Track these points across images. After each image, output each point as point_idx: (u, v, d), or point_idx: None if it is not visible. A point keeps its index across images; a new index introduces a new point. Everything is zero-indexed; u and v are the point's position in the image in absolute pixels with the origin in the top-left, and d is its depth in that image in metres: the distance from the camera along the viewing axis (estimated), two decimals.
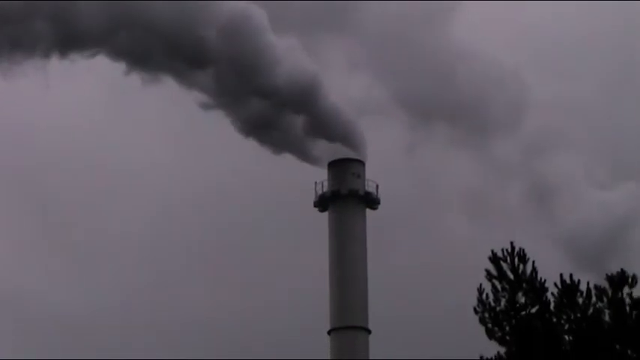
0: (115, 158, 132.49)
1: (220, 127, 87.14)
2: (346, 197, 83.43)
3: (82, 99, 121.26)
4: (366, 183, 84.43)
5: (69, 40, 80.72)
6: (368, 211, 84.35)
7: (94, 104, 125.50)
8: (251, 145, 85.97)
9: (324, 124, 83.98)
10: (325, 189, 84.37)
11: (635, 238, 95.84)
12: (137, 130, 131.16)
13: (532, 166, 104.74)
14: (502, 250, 34.29)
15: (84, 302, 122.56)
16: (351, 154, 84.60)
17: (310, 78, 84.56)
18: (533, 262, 34.25)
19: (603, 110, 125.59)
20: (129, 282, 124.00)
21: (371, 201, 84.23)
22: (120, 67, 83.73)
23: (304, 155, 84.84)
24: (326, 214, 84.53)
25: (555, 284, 34.01)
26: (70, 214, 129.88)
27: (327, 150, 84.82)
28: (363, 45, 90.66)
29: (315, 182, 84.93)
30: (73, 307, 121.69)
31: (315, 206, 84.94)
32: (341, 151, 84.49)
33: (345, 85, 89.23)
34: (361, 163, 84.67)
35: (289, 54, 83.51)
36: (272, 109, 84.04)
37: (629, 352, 33.14)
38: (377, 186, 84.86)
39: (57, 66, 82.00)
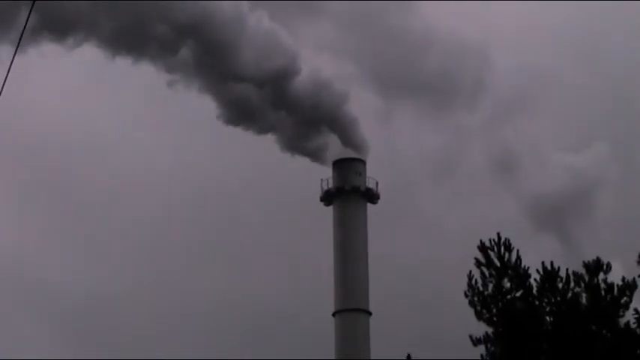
0: (123, 152, 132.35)
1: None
2: (349, 193, 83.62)
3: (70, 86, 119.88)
4: (367, 180, 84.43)
5: (49, 25, 77.91)
6: (369, 205, 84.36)
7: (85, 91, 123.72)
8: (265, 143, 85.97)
9: (333, 127, 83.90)
10: (330, 185, 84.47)
11: (598, 200, 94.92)
12: (143, 124, 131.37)
13: (499, 134, 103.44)
14: (489, 240, 34.29)
15: (99, 288, 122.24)
16: (353, 154, 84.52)
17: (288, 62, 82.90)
18: (518, 250, 34.29)
19: (569, 78, 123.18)
20: (142, 267, 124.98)
21: (371, 196, 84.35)
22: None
23: (314, 156, 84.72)
24: (331, 208, 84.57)
25: (537, 270, 33.96)
26: (85, 207, 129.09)
27: (333, 150, 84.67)
28: (333, 24, 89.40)
29: (321, 179, 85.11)
30: (90, 292, 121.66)
31: (321, 201, 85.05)
32: (344, 151, 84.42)
33: (317, 63, 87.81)
34: (362, 162, 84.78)
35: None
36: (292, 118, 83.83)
37: (603, 331, 33.17)
38: (377, 183, 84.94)
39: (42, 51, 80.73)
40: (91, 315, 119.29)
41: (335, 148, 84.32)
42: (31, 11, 19.30)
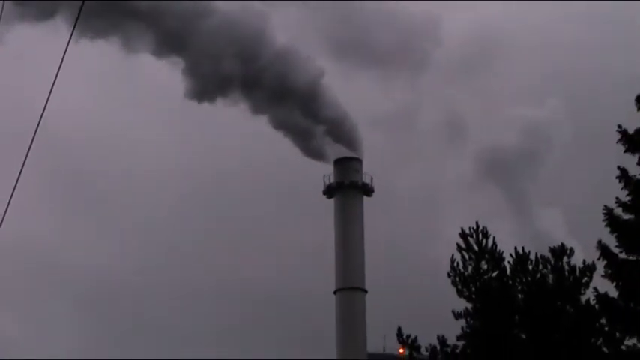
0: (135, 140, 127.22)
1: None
2: (348, 187, 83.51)
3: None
4: (363, 176, 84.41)
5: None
6: (365, 198, 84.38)
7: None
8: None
9: (335, 132, 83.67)
10: (331, 181, 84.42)
11: (549, 154, 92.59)
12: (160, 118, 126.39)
13: (452, 93, 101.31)
14: (469, 228, 34.50)
15: (118, 266, 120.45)
16: (351, 154, 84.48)
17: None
18: (494, 237, 34.49)
19: (522, 34, 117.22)
20: (156, 249, 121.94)
21: (367, 190, 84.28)
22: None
23: (319, 157, 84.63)
24: (332, 200, 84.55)
25: (511, 254, 34.18)
26: (103, 191, 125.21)
27: (333, 150, 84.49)
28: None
29: (324, 175, 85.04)
30: (108, 271, 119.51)
31: (323, 194, 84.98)
32: (344, 151, 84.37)
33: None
34: (359, 161, 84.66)
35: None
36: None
37: (567, 307, 33.32)
38: (371, 178, 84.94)
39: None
40: (107, 292, 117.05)
41: (335, 149, 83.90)
42: (81, 8, 17.58)
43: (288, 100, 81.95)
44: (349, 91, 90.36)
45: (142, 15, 75.41)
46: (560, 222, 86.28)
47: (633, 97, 30.33)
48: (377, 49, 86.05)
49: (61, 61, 16.74)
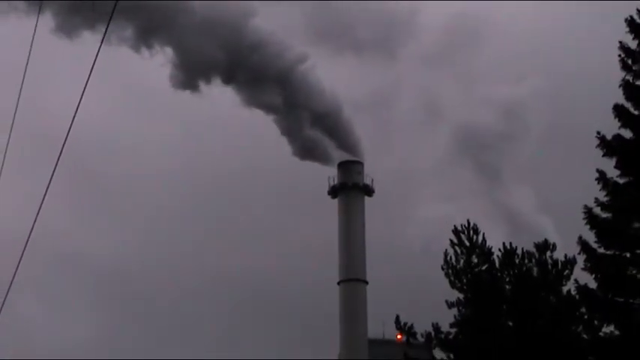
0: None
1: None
2: (351, 188, 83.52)
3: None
4: (365, 178, 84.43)
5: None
6: (366, 198, 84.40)
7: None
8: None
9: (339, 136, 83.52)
10: (335, 182, 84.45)
11: (526, 133, 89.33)
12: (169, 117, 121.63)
13: (432, 75, 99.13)
14: (461, 225, 34.61)
15: (128, 259, 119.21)
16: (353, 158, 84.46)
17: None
18: (484, 233, 34.62)
19: (502, 18, 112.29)
20: (166, 240, 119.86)
21: (368, 190, 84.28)
22: None
23: (324, 161, 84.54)
24: (336, 200, 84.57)
25: (499, 249, 34.30)
26: (117, 191, 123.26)
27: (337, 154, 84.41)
28: None
29: (328, 177, 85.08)
30: (121, 259, 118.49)
31: (328, 194, 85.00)
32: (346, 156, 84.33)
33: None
34: (361, 164, 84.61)
35: None
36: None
37: (550, 297, 33.42)
38: (372, 180, 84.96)
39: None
40: (121, 280, 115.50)
41: (337, 153, 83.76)
42: (114, 9, 16.80)
43: (300, 110, 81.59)
44: (329, 75, 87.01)
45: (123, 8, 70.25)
46: (533, 200, 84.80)
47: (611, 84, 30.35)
48: (356, 35, 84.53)
49: (92, 68, 15.79)
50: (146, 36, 75.14)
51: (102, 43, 16.27)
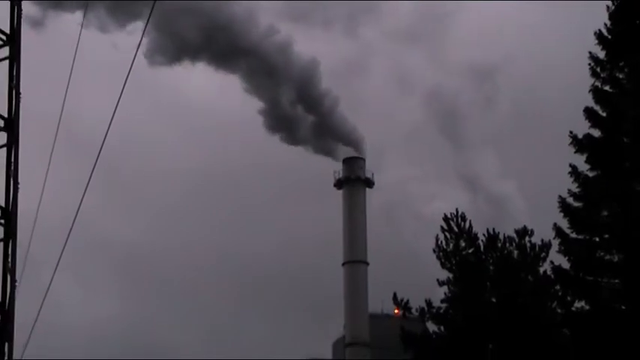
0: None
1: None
2: (354, 181, 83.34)
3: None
4: (366, 172, 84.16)
5: None
6: (367, 189, 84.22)
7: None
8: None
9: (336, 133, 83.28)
10: (341, 175, 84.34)
11: (497, 98, 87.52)
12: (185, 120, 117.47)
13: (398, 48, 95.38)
14: (450, 213, 34.77)
15: (153, 242, 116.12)
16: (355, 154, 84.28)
17: None
18: (470, 220, 34.76)
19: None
20: (178, 225, 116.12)
21: (369, 183, 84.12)
22: None
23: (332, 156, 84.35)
24: (341, 191, 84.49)
25: (483, 234, 34.45)
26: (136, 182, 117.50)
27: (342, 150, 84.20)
28: None
29: (334, 171, 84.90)
30: (138, 242, 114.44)
31: (334, 186, 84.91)
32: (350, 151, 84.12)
33: None
34: (363, 160, 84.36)
35: None
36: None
37: (529, 277, 33.55)
38: (372, 174, 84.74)
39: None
40: (141, 262, 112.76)
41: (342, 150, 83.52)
42: (151, 14, 15.76)
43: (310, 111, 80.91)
44: (305, 48, 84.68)
45: None
46: (497, 165, 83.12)
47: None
48: (329, 10, 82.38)
49: (130, 69, 15.31)
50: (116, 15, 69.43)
51: (139, 46, 15.85)
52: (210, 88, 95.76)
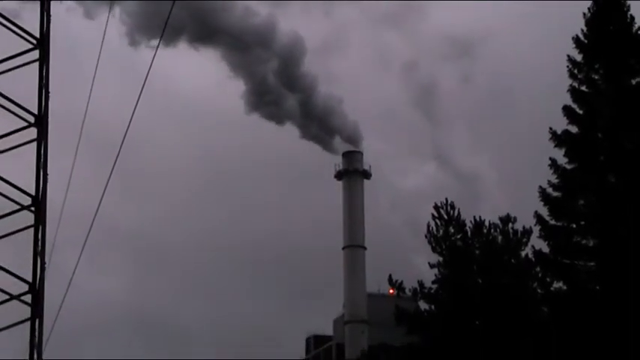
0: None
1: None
2: (353, 172, 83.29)
3: None
4: (364, 164, 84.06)
5: None
6: (365, 181, 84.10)
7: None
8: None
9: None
10: (340, 167, 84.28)
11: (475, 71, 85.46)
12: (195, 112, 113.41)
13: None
14: (440, 202, 34.80)
15: (159, 229, 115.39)
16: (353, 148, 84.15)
17: None
18: (459, 209, 34.77)
19: None
20: (187, 216, 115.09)
21: (367, 175, 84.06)
22: None
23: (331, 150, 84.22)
24: (341, 182, 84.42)
25: (470, 221, 34.46)
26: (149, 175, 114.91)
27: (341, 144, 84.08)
28: None
29: (335, 164, 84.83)
30: (152, 232, 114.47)
31: (334, 177, 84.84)
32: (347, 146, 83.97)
33: None
34: (361, 153, 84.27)
35: None
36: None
37: (512, 260, 33.58)
38: (370, 166, 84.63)
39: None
40: (150, 248, 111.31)
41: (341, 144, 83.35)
42: (171, 11, 15.05)
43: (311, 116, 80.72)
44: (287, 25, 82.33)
45: None
46: (467, 138, 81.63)
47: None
48: None
49: (149, 69, 14.84)
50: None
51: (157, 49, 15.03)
52: (210, 83, 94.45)
